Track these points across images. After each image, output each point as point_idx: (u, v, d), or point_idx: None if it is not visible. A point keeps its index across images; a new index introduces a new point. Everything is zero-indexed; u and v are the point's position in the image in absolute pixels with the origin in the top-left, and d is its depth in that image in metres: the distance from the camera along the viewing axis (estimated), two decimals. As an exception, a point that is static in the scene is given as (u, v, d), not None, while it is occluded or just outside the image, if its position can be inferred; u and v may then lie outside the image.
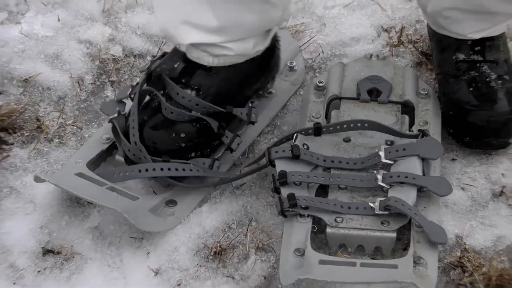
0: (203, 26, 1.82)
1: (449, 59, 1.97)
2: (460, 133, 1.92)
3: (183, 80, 1.87)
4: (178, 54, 1.90)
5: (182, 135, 1.83)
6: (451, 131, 1.94)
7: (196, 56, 1.89)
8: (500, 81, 1.90)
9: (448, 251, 1.73)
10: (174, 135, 1.83)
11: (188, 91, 1.86)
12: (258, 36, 1.91)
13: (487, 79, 1.91)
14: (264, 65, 1.97)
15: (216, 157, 1.87)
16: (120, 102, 1.88)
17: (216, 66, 1.89)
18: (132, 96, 1.86)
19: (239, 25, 1.84)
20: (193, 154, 1.84)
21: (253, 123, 1.91)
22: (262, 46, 1.93)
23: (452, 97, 1.92)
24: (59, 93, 2.07)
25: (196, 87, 1.87)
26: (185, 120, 1.83)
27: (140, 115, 1.83)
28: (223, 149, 1.89)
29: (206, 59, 1.88)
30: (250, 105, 1.92)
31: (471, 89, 1.90)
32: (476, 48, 1.95)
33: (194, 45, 1.87)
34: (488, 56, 1.94)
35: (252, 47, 1.90)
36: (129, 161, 1.81)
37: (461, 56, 1.95)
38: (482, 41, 1.95)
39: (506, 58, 1.97)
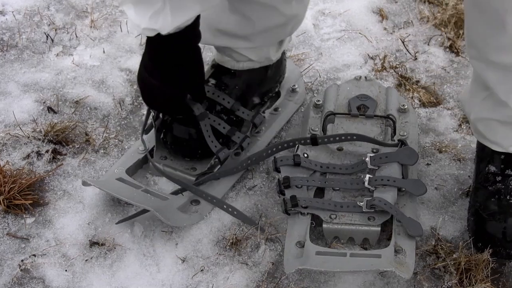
0: (233, 33, 1.83)
1: (482, 170, 1.75)
2: (476, 239, 1.69)
3: (212, 82, 1.89)
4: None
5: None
6: (470, 236, 1.72)
7: (221, 60, 1.90)
8: None
9: (424, 241, 1.72)
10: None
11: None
12: (274, 45, 1.92)
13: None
14: (275, 71, 1.98)
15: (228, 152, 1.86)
16: None
17: (238, 70, 1.90)
18: None
19: (264, 34, 1.84)
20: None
21: (255, 125, 1.91)
22: (278, 54, 1.95)
23: (474, 204, 1.73)
24: (104, 112, 2.06)
25: (223, 87, 1.88)
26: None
27: None
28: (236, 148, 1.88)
29: (230, 63, 1.89)
30: (259, 112, 1.94)
31: (493, 199, 1.70)
32: (508, 162, 1.73)
33: (220, 50, 1.89)
34: None
35: (271, 55, 1.92)
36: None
37: (493, 169, 1.73)
38: None
39: None
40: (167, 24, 1.56)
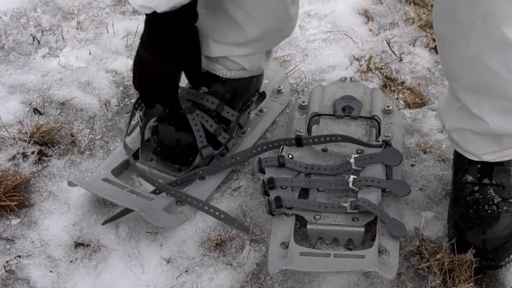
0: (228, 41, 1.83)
1: (460, 180, 1.73)
2: (458, 250, 1.66)
3: (204, 89, 1.89)
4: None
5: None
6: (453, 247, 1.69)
7: (212, 68, 1.89)
8: (503, 205, 1.68)
9: (408, 241, 1.72)
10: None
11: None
12: (264, 54, 1.92)
13: (490, 202, 1.67)
14: (256, 81, 1.97)
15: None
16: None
17: (228, 78, 1.89)
18: None
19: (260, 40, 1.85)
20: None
21: (240, 126, 1.91)
22: (267, 64, 1.96)
23: (453, 215, 1.71)
24: (89, 114, 2.06)
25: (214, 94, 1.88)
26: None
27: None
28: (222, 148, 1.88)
29: (222, 71, 1.88)
30: (245, 113, 1.95)
31: (471, 210, 1.67)
32: (485, 171, 1.71)
33: (211, 59, 1.88)
34: (496, 179, 1.70)
35: (262, 65, 1.93)
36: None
37: (470, 178, 1.71)
38: (491, 165, 1.71)
39: None
40: (163, 2, 1.58)
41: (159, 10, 1.60)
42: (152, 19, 1.65)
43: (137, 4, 1.61)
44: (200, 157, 1.82)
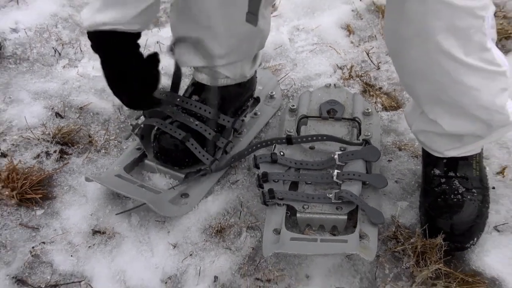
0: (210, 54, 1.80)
1: (429, 173, 1.73)
2: (429, 235, 1.64)
3: (194, 97, 1.87)
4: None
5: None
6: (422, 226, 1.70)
7: (201, 78, 1.87)
8: (467, 194, 1.67)
9: (386, 227, 1.72)
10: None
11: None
12: (248, 62, 1.90)
13: (455, 192, 1.67)
14: (247, 87, 1.96)
15: (217, 158, 1.83)
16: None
17: (216, 86, 1.87)
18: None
19: (238, 51, 1.82)
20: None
21: (236, 130, 1.88)
22: (251, 72, 1.94)
23: (424, 204, 1.71)
24: (104, 117, 2.06)
25: (204, 102, 1.85)
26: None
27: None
28: (221, 152, 1.85)
29: (210, 81, 1.86)
30: (239, 118, 1.92)
31: (439, 199, 1.67)
32: (450, 166, 1.70)
33: (198, 69, 1.87)
34: (460, 172, 1.70)
35: (245, 73, 1.90)
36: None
37: (437, 172, 1.71)
38: (456, 160, 1.70)
39: (478, 174, 1.72)
40: (109, 20, 1.56)
41: (102, 28, 1.57)
42: (99, 42, 1.61)
43: (85, 23, 1.59)
44: (210, 170, 1.81)
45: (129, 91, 1.70)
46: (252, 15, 1.58)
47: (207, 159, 1.80)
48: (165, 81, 2.17)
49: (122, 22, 1.58)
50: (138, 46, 1.66)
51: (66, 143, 1.95)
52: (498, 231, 1.69)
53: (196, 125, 1.80)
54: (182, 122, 1.81)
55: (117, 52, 1.63)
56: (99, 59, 1.65)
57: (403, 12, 1.45)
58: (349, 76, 2.22)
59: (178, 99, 1.83)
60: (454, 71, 1.49)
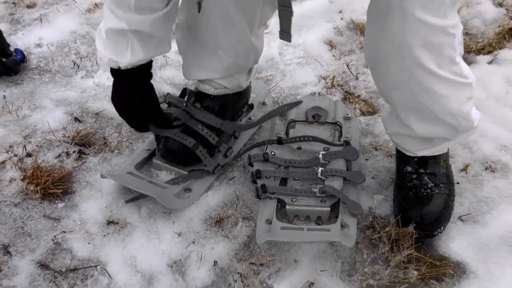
0: (211, 68, 1.81)
1: (402, 170, 1.72)
2: (402, 224, 1.65)
3: (197, 104, 1.87)
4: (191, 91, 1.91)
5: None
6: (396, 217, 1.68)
7: (203, 88, 1.87)
8: (435, 189, 1.67)
9: (364, 218, 1.72)
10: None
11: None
12: (244, 74, 1.88)
13: (425, 187, 1.67)
14: (242, 96, 1.95)
15: (219, 163, 1.83)
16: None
17: (216, 95, 1.87)
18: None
19: (235, 66, 1.82)
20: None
21: (235, 135, 1.89)
22: (247, 83, 1.92)
23: (397, 197, 1.70)
24: (117, 121, 2.05)
25: (205, 108, 1.86)
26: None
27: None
28: (221, 156, 1.87)
29: (210, 90, 1.86)
30: (236, 122, 1.91)
31: (411, 193, 1.66)
32: (421, 163, 1.70)
33: (201, 81, 1.87)
34: (429, 169, 1.69)
35: (241, 84, 1.89)
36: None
37: (409, 169, 1.70)
38: (426, 158, 1.70)
39: (445, 171, 1.71)
40: (126, 60, 1.58)
41: (122, 66, 1.60)
42: (117, 74, 1.64)
43: (104, 60, 1.60)
44: (212, 173, 1.82)
45: (134, 116, 1.73)
46: (285, 33, 1.57)
47: (211, 164, 1.80)
48: (169, 89, 2.18)
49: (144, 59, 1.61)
50: (150, 76, 1.67)
51: (84, 144, 1.95)
52: (462, 220, 1.69)
53: (203, 130, 1.81)
54: (191, 126, 1.81)
55: (132, 83, 1.65)
56: (112, 78, 1.67)
57: (383, 29, 1.45)
58: (332, 85, 2.21)
59: (185, 104, 1.85)
60: (427, 82, 1.49)
